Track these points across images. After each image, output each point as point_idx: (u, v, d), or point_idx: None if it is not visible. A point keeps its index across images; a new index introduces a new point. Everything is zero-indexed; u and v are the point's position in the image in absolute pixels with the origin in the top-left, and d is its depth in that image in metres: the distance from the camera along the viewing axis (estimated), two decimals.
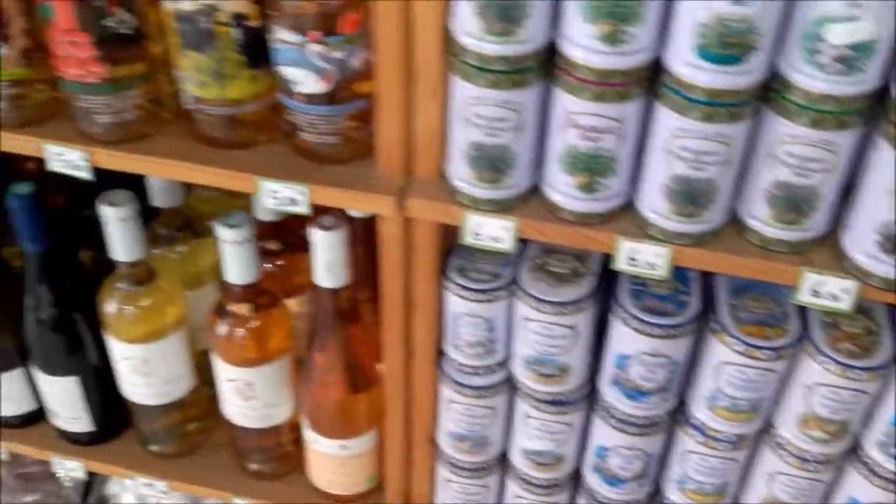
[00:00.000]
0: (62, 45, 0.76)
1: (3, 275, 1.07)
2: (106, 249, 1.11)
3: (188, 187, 1.06)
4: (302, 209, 0.80)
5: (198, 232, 1.10)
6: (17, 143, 0.83)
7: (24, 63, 0.80)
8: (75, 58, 0.76)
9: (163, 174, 0.82)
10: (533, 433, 0.94)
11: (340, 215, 0.86)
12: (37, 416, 1.17)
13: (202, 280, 1.10)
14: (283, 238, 1.06)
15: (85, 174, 0.84)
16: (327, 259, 0.89)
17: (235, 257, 0.92)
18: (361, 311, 0.98)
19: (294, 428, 1.09)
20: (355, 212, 0.94)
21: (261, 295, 0.98)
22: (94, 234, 1.10)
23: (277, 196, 0.80)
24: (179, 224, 1.08)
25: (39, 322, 1.03)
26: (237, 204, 1.18)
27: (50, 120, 0.85)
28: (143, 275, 0.99)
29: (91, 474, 1.44)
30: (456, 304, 0.87)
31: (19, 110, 0.82)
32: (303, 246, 1.10)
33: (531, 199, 0.78)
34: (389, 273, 0.86)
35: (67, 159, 0.83)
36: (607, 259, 0.87)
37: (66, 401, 1.09)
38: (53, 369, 1.07)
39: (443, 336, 0.92)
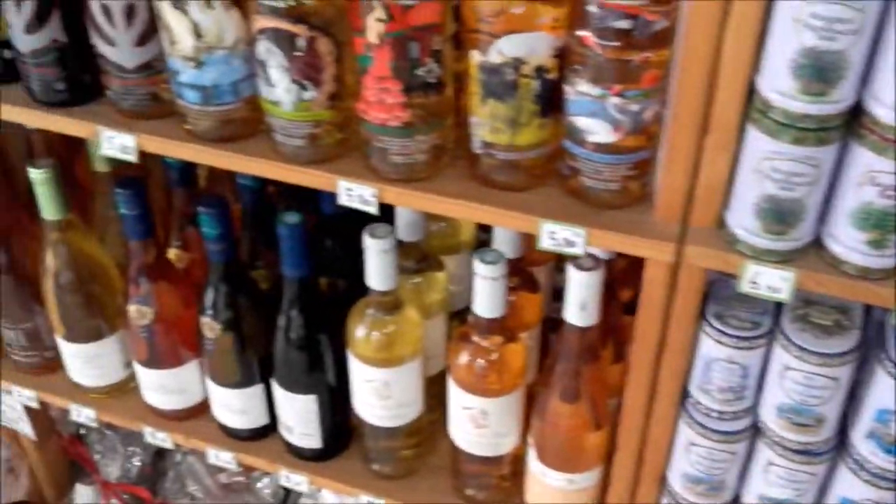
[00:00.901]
0: (373, 91, 0.82)
1: (252, 296, 1.15)
2: (339, 274, 1.20)
3: None
4: (578, 251, 0.85)
5: (431, 265, 1.16)
6: (313, 179, 0.91)
7: (328, 106, 0.87)
8: (384, 103, 0.83)
9: (447, 212, 0.88)
10: (774, 481, 0.95)
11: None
12: (265, 431, 1.24)
13: (431, 311, 1.15)
14: (517, 275, 1.10)
15: (372, 209, 0.90)
16: (582, 298, 0.92)
17: (488, 292, 0.97)
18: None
19: (515, 458, 1.13)
20: (602, 253, 0.97)
21: (504, 329, 1.02)
22: (331, 260, 1.19)
23: (555, 237, 0.84)
24: (418, 257, 1.13)
25: (289, 342, 1.10)
26: (462, 240, 1.24)
27: (337, 158, 0.92)
28: (392, 303, 1.05)
29: (286, 488, 1.52)
30: (713, 349, 0.89)
31: (315, 149, 0.89)
32: (532, 284, 1.16)
33: (810, 251, 0.80)
34: (647, 315, 0.89)
35: (358, 195, 0.89)
36: (869, 312, 0.88)
37: (302, 417, 1.16)
38: (296, 387, 1.13)
39: (689, 378, 0.94)
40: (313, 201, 1.18)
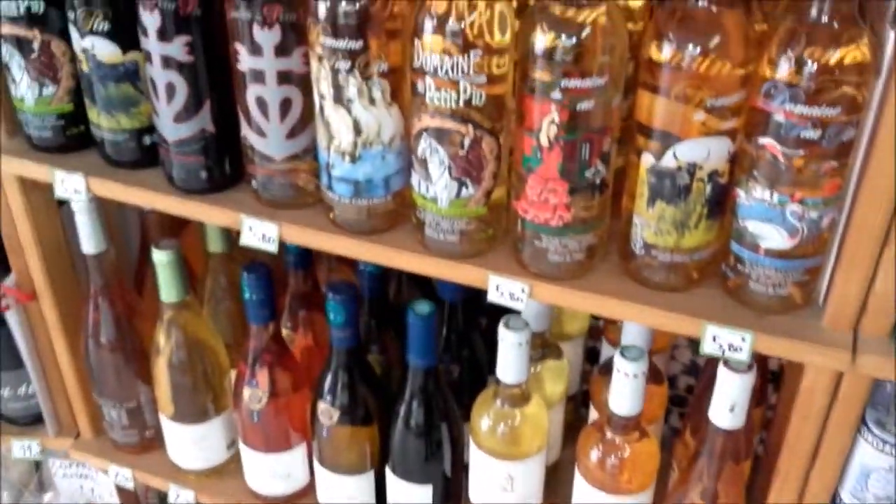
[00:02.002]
0: (538, 191, 0.82)
1: (371, 383, 1.13)
2: (454, 361, 1.18)
3: None
4: (743, 357, 0.83)
5: (552, 353, 1.14)
6: (464, 274, 0.90)
7: (484, 202, 0.86)
8: (548, 203, 0.82)
9: (603, 312, 0.87)
10: None
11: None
12: None
13: (553, 401, 1.13)
14: None
15: (521, 306, 0.89)
16: (732, 400, 0.90)
17: (630, 389, 0.95)
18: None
19: None
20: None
21: (638, 425, 1.00)
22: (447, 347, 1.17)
23: (718, 340, 0.83)
24: (541, 345, 1.12)
25: (411, 432, 1.08)
26: (573, 328, 1.23)
27: (485, 253, 0.91)
28: (521, 396, 1.03)
29: None
30: (872, 457, 0.87)
31: (467, 244, 0.88)
32: (658, 375, 1.14)
33: None
34: (803, 422, 0.86)
35: (508, 291, 0.88)
36: None
37: None
38: (414, 476, 1.11)
39: (840, 484, 0.91)
40: (430, 287, 1.18)
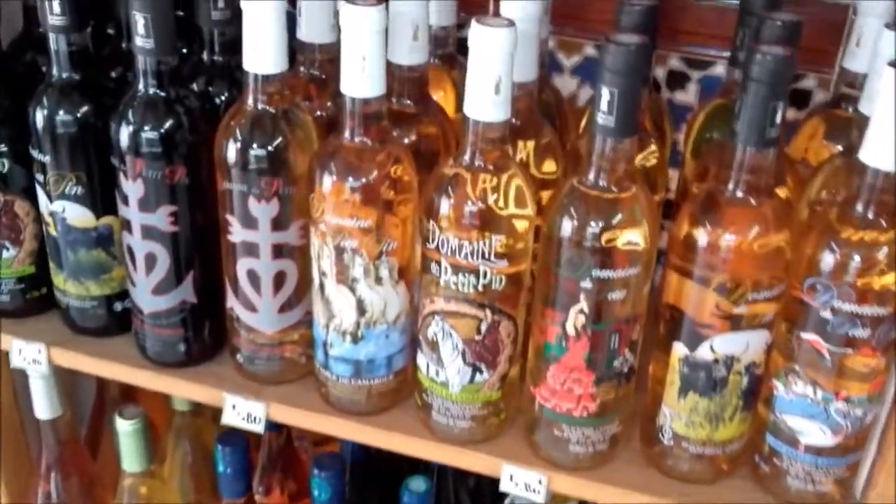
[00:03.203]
0: (562, 381, 0.75)
1: None
2: None
3: None
4: None
5: None
6: (474, 462, 0.82)
7: (499, 387, 0.80)
8: (572, 393, 0.76)
9: None
10: None
11: None
12: None
13: None
14: None
15: (539, 499, 0.81)
16: None
17: None
18: None
19: None
20: None
21: None
22: None
23: None
24: None
25: None
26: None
27: (496, 437, 0.84)
28: None
29: None
30: None
31: (479, 430, 0.82)
32: None
33: None
34: None
35: (523, 481, 0.81)
36: None
37: None
38: None
39: None
40: None
